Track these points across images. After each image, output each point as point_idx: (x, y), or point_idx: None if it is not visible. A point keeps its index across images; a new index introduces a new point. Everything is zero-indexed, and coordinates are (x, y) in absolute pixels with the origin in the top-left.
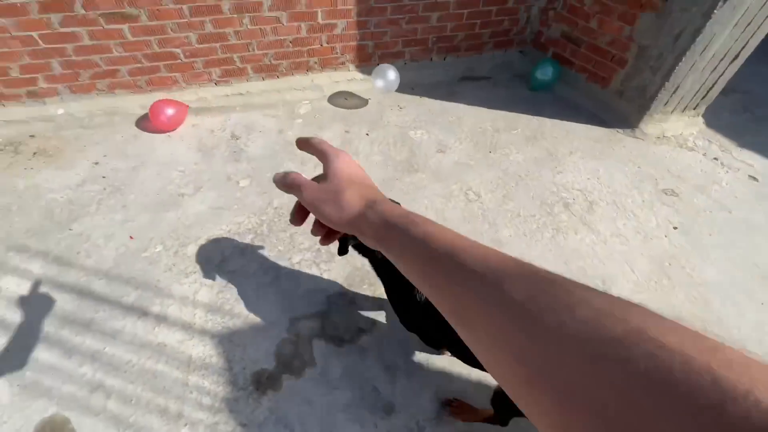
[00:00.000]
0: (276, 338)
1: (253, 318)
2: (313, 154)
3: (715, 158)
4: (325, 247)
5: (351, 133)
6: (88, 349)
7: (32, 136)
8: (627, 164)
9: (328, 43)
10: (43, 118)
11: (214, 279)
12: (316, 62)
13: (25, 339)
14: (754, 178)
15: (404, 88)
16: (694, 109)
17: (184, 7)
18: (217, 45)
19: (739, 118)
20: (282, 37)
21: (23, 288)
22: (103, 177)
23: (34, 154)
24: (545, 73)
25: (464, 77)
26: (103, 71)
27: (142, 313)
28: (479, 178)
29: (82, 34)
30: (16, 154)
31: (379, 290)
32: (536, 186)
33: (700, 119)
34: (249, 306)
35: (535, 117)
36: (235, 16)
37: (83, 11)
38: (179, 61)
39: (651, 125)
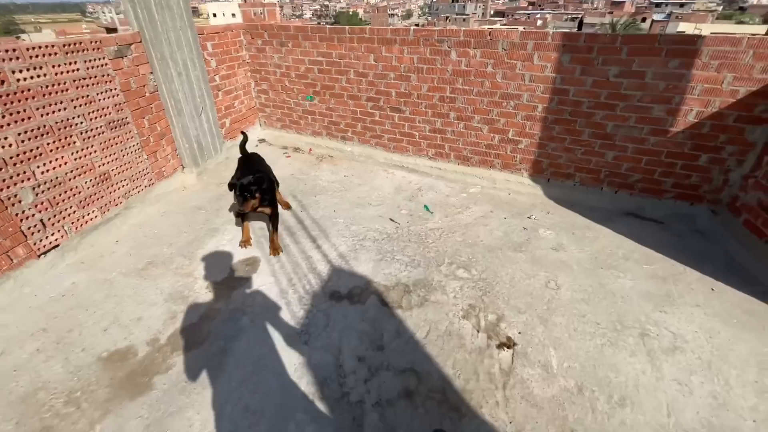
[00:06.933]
0: None
1: None
2: None
3: None
4: None
5: (492, 213)
6: None
7: (330, 156)
8: None
9: (511, 153)
10: (340, 150)
11: None
12: (498, 163)
13: None
14: None
15: (564, 203)
16: None
17: (430, 111)
18: (438, 136)
19: None
20: (480, 141)
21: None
22: (345, 176)
23: (323, 161)
24: None
25: (630, 213)
26: (377, 134)
27: None
28: (572, 278)
29: (376, 114)
30: (319, 161)
31: None
32: (624, 309)
33: None
34: None
35: (686, 266)
36: (455, 121)
37: (382, 104)
38: (414, 139)
39: None
